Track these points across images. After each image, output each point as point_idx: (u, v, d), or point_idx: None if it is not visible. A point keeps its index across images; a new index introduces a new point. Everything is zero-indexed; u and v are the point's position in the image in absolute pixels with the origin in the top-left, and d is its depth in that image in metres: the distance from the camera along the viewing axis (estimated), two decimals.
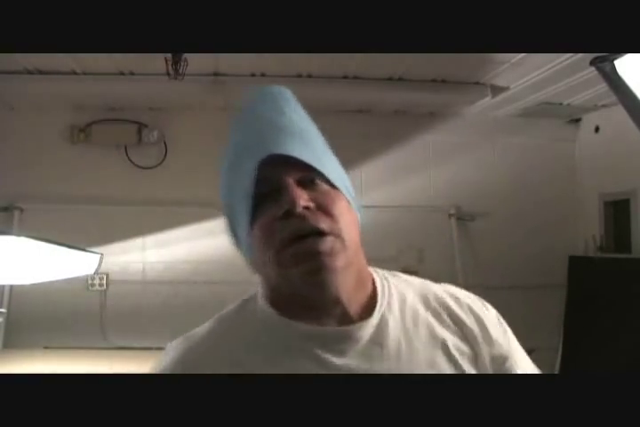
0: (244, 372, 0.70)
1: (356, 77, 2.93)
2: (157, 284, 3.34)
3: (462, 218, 3.55)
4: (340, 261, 0.71)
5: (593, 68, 1.52)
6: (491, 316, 0.88)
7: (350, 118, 3.46)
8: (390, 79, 2.96)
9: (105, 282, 3.30)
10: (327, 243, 0.71)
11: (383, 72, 2.88)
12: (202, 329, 0.82)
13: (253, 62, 2.73)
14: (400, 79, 2.95)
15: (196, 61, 2.47)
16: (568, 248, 3.47)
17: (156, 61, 2.42)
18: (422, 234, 3.50)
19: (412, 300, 0.82)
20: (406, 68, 2.78)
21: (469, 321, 0.82)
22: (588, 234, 3.47)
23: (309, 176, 0.75)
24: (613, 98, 1.95)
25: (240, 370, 0.71)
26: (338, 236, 0.72)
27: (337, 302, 0.74)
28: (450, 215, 3.53)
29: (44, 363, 2.77)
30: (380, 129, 3.48)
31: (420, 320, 0.79)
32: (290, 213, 0.71)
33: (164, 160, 3.37)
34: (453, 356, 0.76)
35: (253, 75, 2.89)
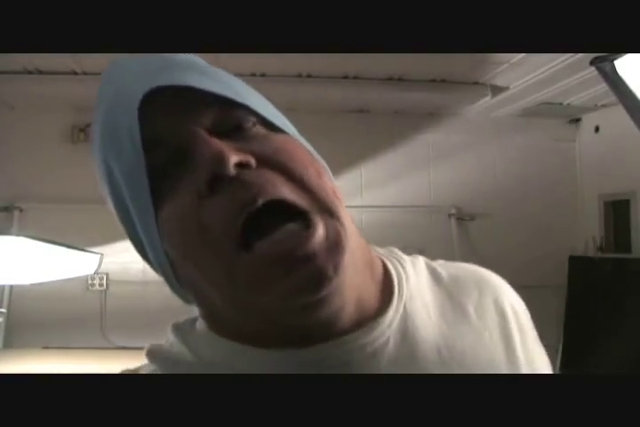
0: None
1: (356, 77, 2.93)
2: (157, 284, 3.30)
3: (462, 218, 3.55)
4: (340, 253, 0.42)
5: (593, 68, 1.52)
6: None
7: (350, 118, 3.46)
8: (390, 79, 2.96)
9: (105, 282, 3.30)
10: (312, 227, 0.41)
11: (383, 72, 2.88)
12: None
13: (253, 62, 2.73)
14: (400, 79, 2.95)
15: None
16: (568, 248, 3.47)
17: None
18: (422, 234, 3.50)
19: (429, 283, 0.58)
20: (406, 68, 2.78)
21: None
22: (588, 234, 3.47)
23: (230, 118, 0.46)
24: (613, 98, 1.95)
25: None
26: (317, 203, 0.43)
27: (340, 316, 0.46)
28: (450, 215, 3.53)
29: (43, 363, 2.77)
30: (380, 129, 3.48)
31: (454, 307, 0.56)
32: (218, 180, 0.41)
33: None
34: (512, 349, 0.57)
35: (253, 75, 2.89)
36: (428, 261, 0.65)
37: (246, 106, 0.48)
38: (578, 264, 3.37)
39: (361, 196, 3.48)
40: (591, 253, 3.40)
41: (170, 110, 0.45)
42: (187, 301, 0.55)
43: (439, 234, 3.54)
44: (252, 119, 0.48)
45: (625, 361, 2.73)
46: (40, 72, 2.79)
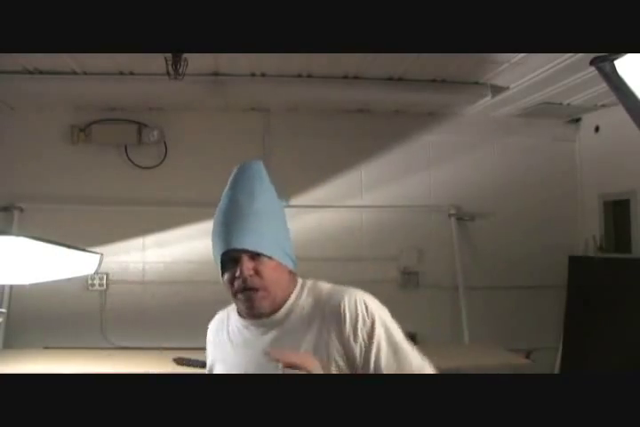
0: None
1: (355, 77, 2.93)
2: (157, 284, 3.34)
3: (462, 218, 3.55)
4: (263, 301, 1.22)
5: (593, 68, 1.52)
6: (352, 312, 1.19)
7: (350, 118, 3.46)
8: (390, 79, 2.96)
9: (105, 282, 3.30)
10: (257, 295, 1.21)
11: (383, 72, 2.88)
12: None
13: (253, 62, 2.73)
14: (400, 79, 2.95)
15: (196, 61, 2.47)
16: (568, 248, 3.47)
17: (156, 61, 2.42)
18: (422, 234, 3.50)
19: (310, 303, 1.25)
20: (406, 68, 2.78)
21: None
22: (588, 234, 3.47)
23: (255, 253, 1.21)
24: (613, 98, 1.95)
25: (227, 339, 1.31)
26: (265, 289, 1.21)
27: (259, 315, 1.26)
28: (450, 215, 3.53)
29: (44, 363, 2.77)
30: (380, 129, 3.48)
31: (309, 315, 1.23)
32: (240, 276, 1.20)
33: (164, 160, 3.37)
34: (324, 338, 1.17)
35: (253, 75, 2.89)
36: (319, 285, 1.29)
37: (266, 254, 1.22)
38: (578, 264, 3.37)
39: (361, 196, 3.48)
40: (591, 253, 3.40)
41: (234, 250, 1.21)
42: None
43: (439, 234, 3.54)
44: (267, 256, 1.21)
45: (625, 361, 2.73)
46: (40, 72, 2.79)
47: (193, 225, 3.32)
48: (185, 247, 3.34)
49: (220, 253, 1.22)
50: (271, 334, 1.23)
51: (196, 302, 3.06)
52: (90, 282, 3.28)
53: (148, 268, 3.37)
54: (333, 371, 1.10)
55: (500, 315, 3.38)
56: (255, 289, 1.20)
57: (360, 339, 1.14)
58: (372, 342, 1.13)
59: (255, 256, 1.20)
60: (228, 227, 1.22)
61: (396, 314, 1.21)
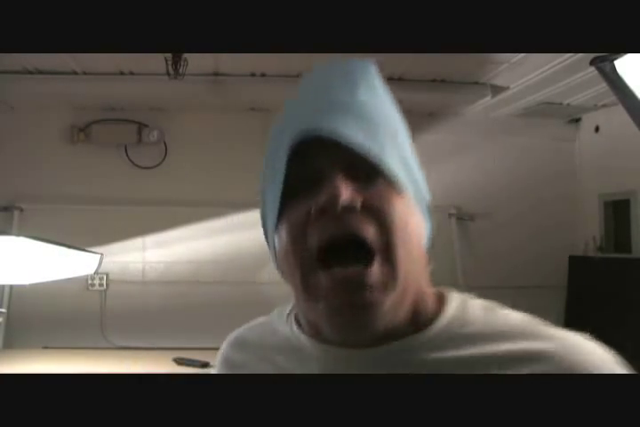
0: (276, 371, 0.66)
1: None
2: (157, 284, 3.33)
3: (462, 218, 3.55)
4: (383, 296, 0.54)
5: (593, 68, 1.52)
6: None
7: None
8: (390, 79, 2.95)
9: (105, 282, 3.30)
10: (372, 270, 0.54)
11: (383, 72, 2.88)
12: (247, 329, 0.75)
13: (253, 62, 2.73)
14: (400, 79, 2.95)
15: (196, 61, 2.47)
16: (568, 248, 3.47)
17: (156, 61, 2.42)
18: None
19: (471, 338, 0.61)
20: (406, 68, 2.78)
21: None
22: (587, 234, 3.47)
23: (364, 166, 0.55)
24: (613, 98, 1.95)
25: (271, 369, 0.66)
26: (384, 252, 0.55)
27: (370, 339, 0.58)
28: (450, 215, 3.53)
29: (43, 363, 2.77)
30: None
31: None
32: (325, 213, 0.53)
33: (163, 160, 3.37)
34: None
35: (253, 75, 2.89)
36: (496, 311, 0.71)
37: (379, 159, 0.56)
38: (578, 264, 3.37)
39: None
40: (591, 253, 3.40)
41: (323, 146, 0.55)
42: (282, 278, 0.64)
43: (439, 234, 3.52)
44: (383, 171, 0.57)
45: (625, 361, 2.73)
46: (40, 72, 2.79)
47: (193, 225, 3.32)
48: (185, 247, 3.34)
49: (288, 143, 0.57)
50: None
51: (196, 302, 3.06)
52: (90, 282, 3.28)
53: (148, 268, 3.36)
54: None
55: None
56: (363, 246, 0.55)
57: None
58: None
59: (362, 176, 0.56)
60: (310, 105, 0.61)
61: None
